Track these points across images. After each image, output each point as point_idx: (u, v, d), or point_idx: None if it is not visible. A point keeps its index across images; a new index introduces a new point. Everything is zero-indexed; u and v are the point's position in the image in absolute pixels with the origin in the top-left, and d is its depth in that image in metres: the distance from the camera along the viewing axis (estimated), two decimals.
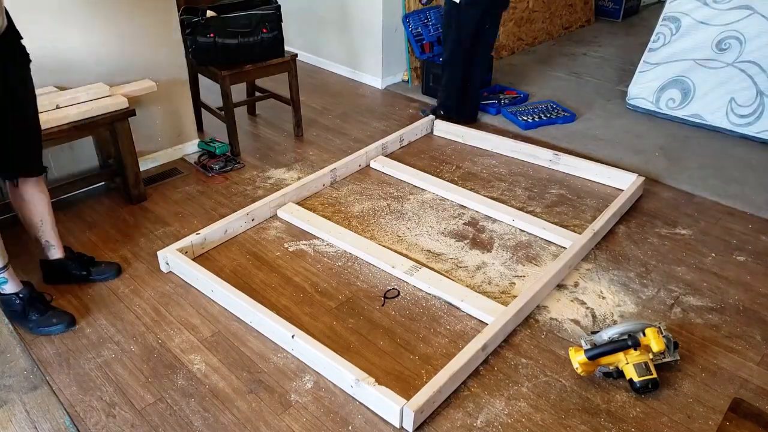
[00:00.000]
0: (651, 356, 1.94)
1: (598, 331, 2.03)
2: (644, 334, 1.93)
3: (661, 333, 1.96)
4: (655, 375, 1.90)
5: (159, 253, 2.43)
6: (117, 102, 2.67)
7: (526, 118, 3.72)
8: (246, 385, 1.95)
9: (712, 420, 1.85)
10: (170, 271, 2.45)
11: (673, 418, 1.85)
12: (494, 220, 2.79)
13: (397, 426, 1.81)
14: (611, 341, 1.93)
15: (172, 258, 2.41)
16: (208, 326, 2.19)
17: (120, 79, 2.89)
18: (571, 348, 1.97)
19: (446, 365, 1.91)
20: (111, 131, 2.71)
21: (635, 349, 1.90)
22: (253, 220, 2.73)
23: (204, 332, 2.16)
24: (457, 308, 2.27)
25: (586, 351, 1.92)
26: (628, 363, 1.91)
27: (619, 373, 1.95)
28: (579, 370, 1.93)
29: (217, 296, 2.29)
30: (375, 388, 1.83)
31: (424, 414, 1.81)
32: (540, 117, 3.76)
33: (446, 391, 1.89)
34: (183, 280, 2.40)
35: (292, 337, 2.02)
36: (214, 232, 2.59)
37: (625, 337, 1.93)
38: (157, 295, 2.33)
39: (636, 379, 1.89)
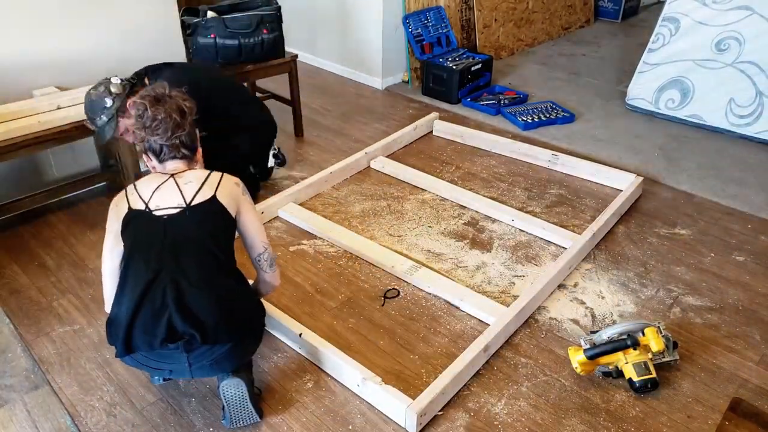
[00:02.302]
0: (650, 356, 1.94)
1: (597, 331, 2.03)
2: (644, 334, 1.94)
3: (661, 333, 1.96)
4: (654, 374, 1.90)
5: None
6: None
7: (525, 119, 3.73)
8: None
9: (711, 419, 1.85)
10: None
11: (672, 418, 1.86)
12: (494, 220, 2.80)
13: (402, 425, 1.82)
14: (610, 341, 1.94)
15: None
16: None
17: None
18: (570, 347, 1.98)
19: (448, 367, 1.92)
20: None
21: (634, 349, 1.91)
22: (261, 212, 2.74)
23: None
24: (458, 308, 2.27)
25: (585, 350, 1.92)
26: (627, 362, 1.92)
27: (619, 373, 1.95)
28: (578, 370, 1.93)
29: None
30: (381, 388, 1.84)
31: (426, 417, 1.82)
32: (539, 117, 3.76)
33: (449, 393, 1.90)
34: None
35: (300, 335, 2.03)
36: None
37: (625, 336, 1.93)
38: None
39: (635, 378, 1.89)
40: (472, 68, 4.06)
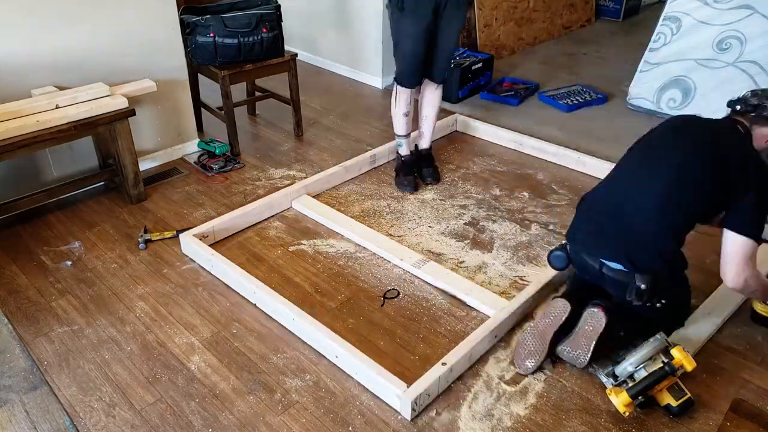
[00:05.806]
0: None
1: (619, 362, 1.88)
2: (671, 356, 1.81)
3: (668, 343, 1.85)
4: (688, 393, 1.81)
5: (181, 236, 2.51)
6: (117, 102, 2.67)
7: (566, 101, 3.89)
8: (246, 385, 1.95)
9: (712, 420, 1.84)
10: (166, 271, 2.45)
11: (673, 419, 1.85)
12: (495, 221, 2.79)
13: (398, 410, 1.83)
14: (650, 374, 1.79)
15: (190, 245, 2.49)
16: (208, 326, 2.19)
17: (120, 79, 2.89)
18: (609, 390, 1.81)
19: (444, 356, 1.95)
20: (111, 131, 2.71)
21: (674, 375, 1.79)
22: (270, 207, 2.80)
23: (204, 332, 2.16)
24: (459, 307, 2.27)
25: (628, 390, 1.77)
26: (660, 389, 1.81)
27: (650, 400, 1.83)
28: (625, 412, 1.78)
29: (231, 282, 2.34)
30: (377, 375, 1.88)
31: (420, 404, 1.84)
32: (577, 100, 3.92)
33: (444, 381, 1.92)
34: (182, 281, 2.40)
35: (293, 319, 2.10)
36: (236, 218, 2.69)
37: (661, 365, 1.80)
38: (157, 295, 2.33)
39: (674, 404, 1.79)
40: (473, 67, 4.05)
